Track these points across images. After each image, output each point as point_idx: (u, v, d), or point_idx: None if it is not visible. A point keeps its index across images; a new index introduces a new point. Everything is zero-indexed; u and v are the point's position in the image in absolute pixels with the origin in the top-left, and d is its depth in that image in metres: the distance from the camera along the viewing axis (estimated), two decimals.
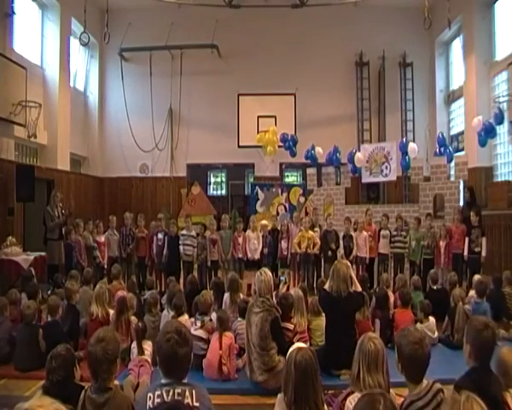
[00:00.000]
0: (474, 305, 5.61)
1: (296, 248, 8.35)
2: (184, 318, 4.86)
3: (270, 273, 4.44)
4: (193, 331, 4.37)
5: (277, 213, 10.69)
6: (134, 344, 4.33)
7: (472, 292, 6.21)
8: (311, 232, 8.38)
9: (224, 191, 17.15)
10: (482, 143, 8.82)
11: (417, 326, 5.30)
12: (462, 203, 8.93)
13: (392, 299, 5.88)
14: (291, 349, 2.49)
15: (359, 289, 4.65)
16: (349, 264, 4.86)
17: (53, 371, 2.62)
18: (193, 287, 6.01)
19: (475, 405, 1.67)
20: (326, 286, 4.61)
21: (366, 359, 2.47)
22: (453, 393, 1.74)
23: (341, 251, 8.31)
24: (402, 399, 2.54)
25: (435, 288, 6.33)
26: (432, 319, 5.43)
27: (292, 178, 16.57)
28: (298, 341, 4.10)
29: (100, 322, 4.77)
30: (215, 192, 17.55)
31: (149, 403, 2.09)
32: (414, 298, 5.95)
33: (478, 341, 2.48)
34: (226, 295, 5.49)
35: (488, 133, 8.54)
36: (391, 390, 2.54)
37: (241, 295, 5.62)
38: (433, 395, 2.31)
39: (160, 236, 8.33)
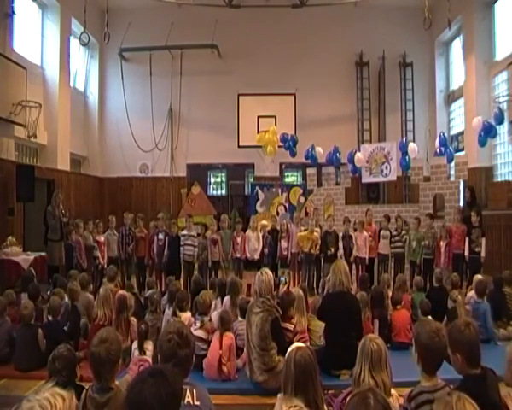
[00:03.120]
0: (475, 305, 5.61)
1: (302, 246, 8.33)
2: (187, 315, 4.87)
3: (270, 273, 4.45)
4: (193, 331, 4.37)
5: (277, 213, 10.68)
6: (135, 344, 4.33)
7: (471, 292, 6.22)
8: (315, 234, 8.36)
9: (224, 191, 17.14)
10: (482, 144, 8.82)
11: None
12: (462, 203, 8.93)
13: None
14: (290, 349, 2.50)
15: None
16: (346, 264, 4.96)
17: (57, 373, 2.62)
18: (198, 286, 6.01)
19: (467, 404, 1.67)
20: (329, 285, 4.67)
21: (369, 359, 2.49)
22: (443, 394, 1.74)
23: (341, 251, 8.30)
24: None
25: (436, 286, 6.34)
26: (430, 318, 5.44)
27: (292, 178, 16.57)
28: (298, 341, 4.10)
29: (102, 325, 4.76)
30: (215, 192, 17.53)
31: None
32: (415, 299, 5.97)
33: (463, 343, 2.37)
34: (226, 298, 5.49)
35: (488, 133, 8.53)
36: (393, 390, 2.55)
37: (241, 297, 5.62)
38: (441, 394, 2.31)
39: (161, 236, 8.33)
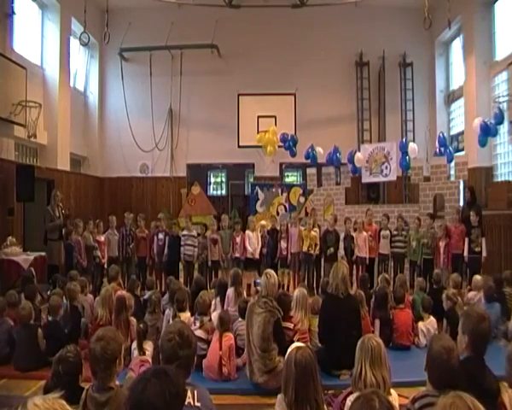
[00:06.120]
0: (485, 307, 5.58)
1: (301, 245, 8.36)
2: (186, 315, 4.87)
3: (275, 275, 4.53)
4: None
5: (277, 213, 10.69)
6: (134, 344, 4.33)
7: (471, 293, 6.21)
8: (313, 233, 8.38)
9: (224, 191, 17.15)
10: (482, 144, 8.82)
11: (420, 324, 5.35)
12: (462, 203, 8.93)
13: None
14: (290, 349, 2.51)
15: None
16: (348, 266, 4.95)
17: (59, 376, 2.59)
18: (199, 286, 6.01)
19: (481, 407, 1.65)
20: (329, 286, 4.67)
21: (369, 355, 2.50)
22: (451, 397, 1.71)
23: (342, 252, 8.30)
24: (404, 399, 2.55)
25: (435, 287, 6.34)
26: (432, 318, 5.45)
27: (292, 178, 16.58)
28: (299, 341, 4.10)
29: (103, 325, 4.76)
30: (215, 192, 17.54)
31: None
32: (416, 299, 5.96)
33: (476, 332, 2.52)
34: (230, 290, 5.50)
35: (485, 133, 8.51)
36: (392, 390, 2.56)
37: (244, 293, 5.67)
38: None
39: (161, 236, 8.34)
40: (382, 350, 2.55)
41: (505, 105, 9.53)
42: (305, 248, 8.34)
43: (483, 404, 1.64)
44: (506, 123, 9.34)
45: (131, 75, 13.48)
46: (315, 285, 8.41)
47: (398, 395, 2.68)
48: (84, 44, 9.84)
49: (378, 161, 10.08)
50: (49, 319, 5.02)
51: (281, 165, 13.72)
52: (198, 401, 2.10)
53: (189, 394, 2.09)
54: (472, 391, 1.69)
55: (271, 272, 4.54)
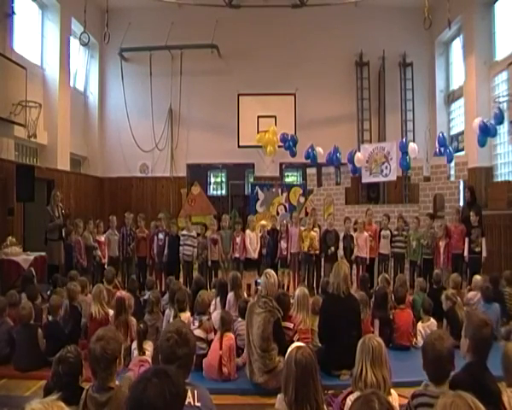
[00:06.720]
0: (483, 308, 5.58)
1: (302, 245, 8.36)
2: (186, 315, 4.87)
3: (275, 275, 4.53)
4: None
5: (277, 213, 10.69)
6: (134, 344, 4.34)
7: (471, 293, 6.21)
8: (313, 233, 8.38)
9: (224, 191, 17.14)
10: (481, 144, 8.81)
11: (419, 325, 5.35)
12: (462, 203, 8.93)
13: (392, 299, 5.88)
14: (290, 349, 2.51)
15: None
16: (348, 265, 4.94)
17: (59, 376, 2.57)
18: (199, 287, 6.02)
19: (482, 406, 1.65)
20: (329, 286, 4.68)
21: (370, 355, 2.51)
22: (451, 397, 1.70)
23: (341, 252, 8.30)
24: (404, 399, 2.56)
25: (435, 287, 6.34)
26: (433, 320, 5.44)
27: (292, 178, 16.57)
28: (301, 341, 4.09)
29: (99, 322, 4.78)
30: (215, 192, 17.54)
31: None
32: (417, 299, 5.96)
33: (478, 337, 2.52)
34: (230, 295, 5.50)
35: (485, 133, 8.51)
36: (392, 390, 2.56)
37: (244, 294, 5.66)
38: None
39: (161, 236, 8.35)
40: (383, 350, 2.56)
41: (505, 105, 9.53)
42: (305, 249, 8.35)
43: (486, 407, 1.63)
44: (506, 123, 9.33)
45: (131, 75, 13.48)
46: (315, 285, 8.41)
47: (398, 395, 2.68)
48: (84, 44, 9.84)
49: (378, 161, 10.08)
50: (50, 319, 5.02)
51: (281, 165, 13.72)
52: (198, 401, 2.10)
53: (189, 394, 2.09)
54: (474, 395, 1.69)
55: (271, 272, 4.55)
